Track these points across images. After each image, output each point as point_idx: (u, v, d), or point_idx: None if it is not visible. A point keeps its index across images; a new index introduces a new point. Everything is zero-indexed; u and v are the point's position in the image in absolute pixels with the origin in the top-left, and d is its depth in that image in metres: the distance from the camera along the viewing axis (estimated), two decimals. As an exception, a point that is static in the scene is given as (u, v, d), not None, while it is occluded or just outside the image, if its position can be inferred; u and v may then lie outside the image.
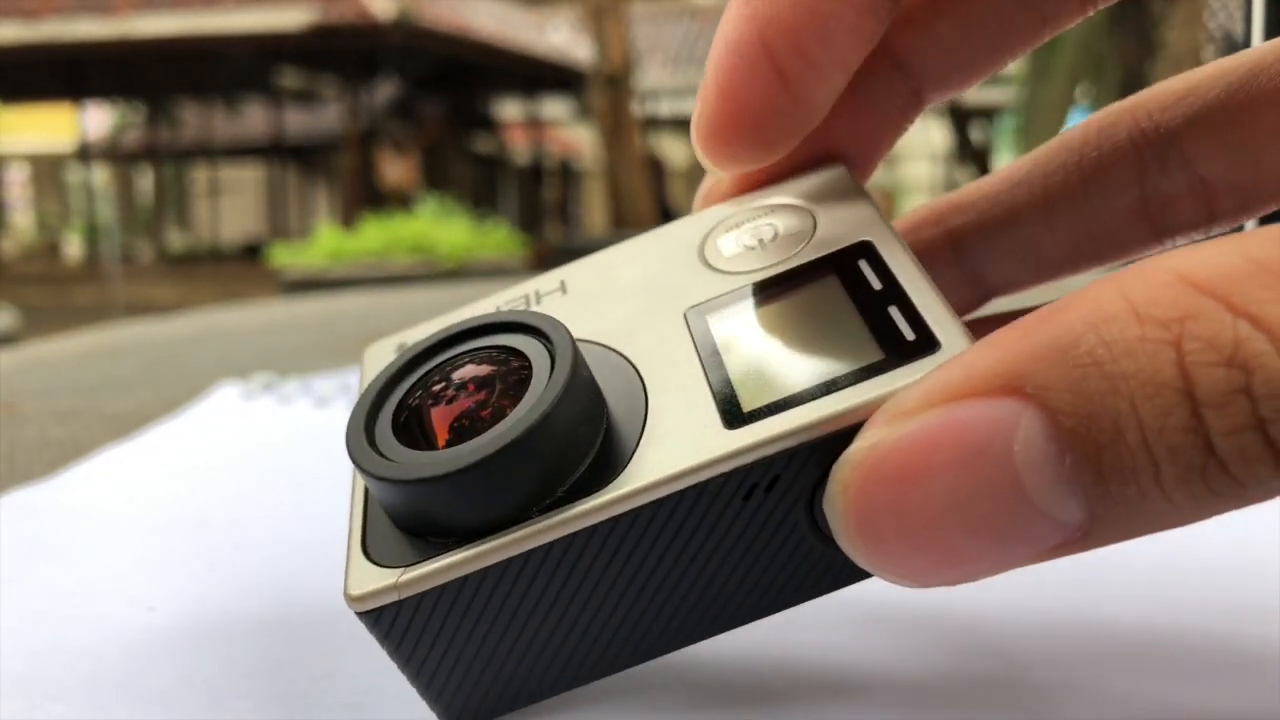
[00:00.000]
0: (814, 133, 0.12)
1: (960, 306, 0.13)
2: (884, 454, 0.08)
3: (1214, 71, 0.12)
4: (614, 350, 0.12)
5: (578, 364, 0.11)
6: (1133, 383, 0.07)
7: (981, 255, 0.13)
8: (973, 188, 0.14)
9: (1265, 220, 0.12)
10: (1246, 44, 0.26)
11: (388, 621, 0.11)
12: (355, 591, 0.11)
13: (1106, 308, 0.08)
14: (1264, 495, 0.08)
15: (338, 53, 6.72)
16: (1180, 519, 0.08)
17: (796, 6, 0.11)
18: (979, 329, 0.11)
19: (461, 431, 0.11)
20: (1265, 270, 0.07)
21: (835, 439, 0.09)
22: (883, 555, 0.09)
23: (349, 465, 0.11)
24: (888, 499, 0.08)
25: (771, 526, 0.10)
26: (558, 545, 0.10)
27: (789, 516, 0.10)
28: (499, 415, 0.11)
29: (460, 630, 0.11)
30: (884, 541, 0.09)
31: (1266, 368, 0.07)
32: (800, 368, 0.11)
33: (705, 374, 0.11)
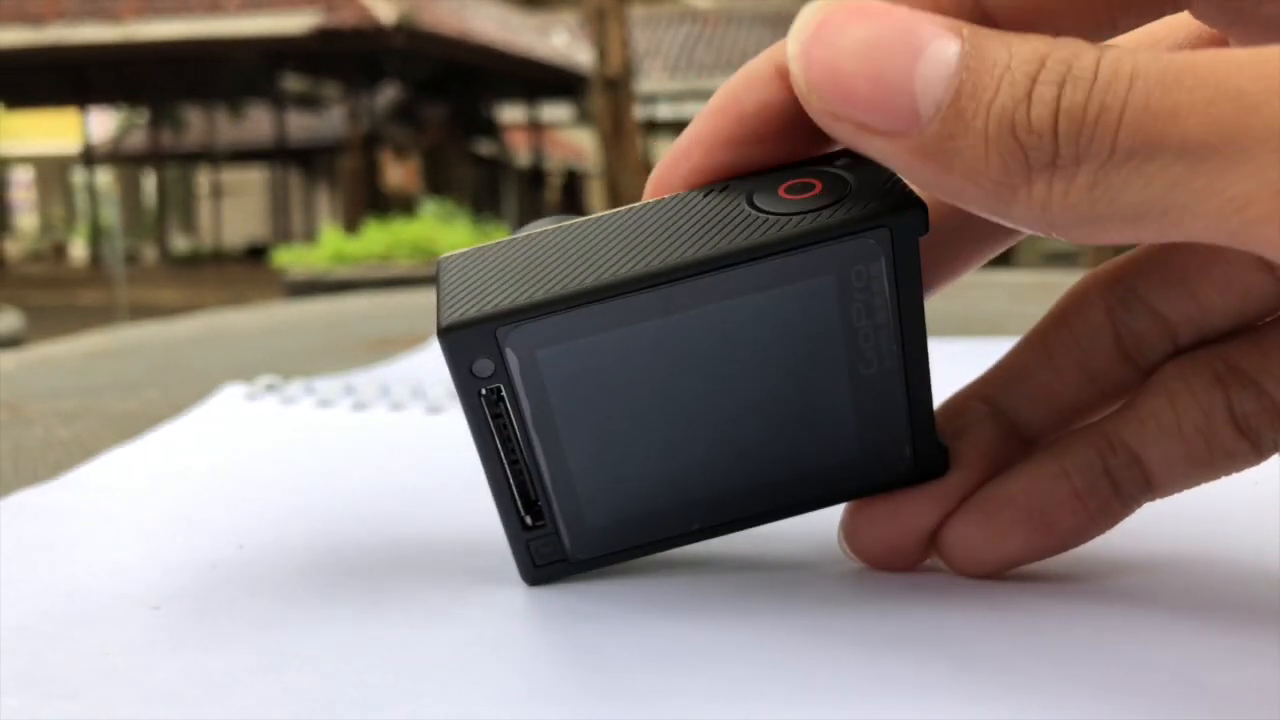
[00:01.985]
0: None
1: (1005, 457, 0.16)
2: (835, 4, 0.12)
3: None
4: None
5: None
6: (1020, 52, 0.11)
7: (1011, 407, 0.16)
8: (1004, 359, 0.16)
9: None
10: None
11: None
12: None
13: (1029, 34, 0.12)
14: (1038, 157, 0.11)
15: (340, 57, 6.74)
16: (980, 166, 0.11)
17: None
18: None
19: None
20: (1121, 46, 0.11)
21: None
22: (808, 58, 0.12)
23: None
24: (836, 20, 0.12)
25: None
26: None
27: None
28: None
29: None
30: (815, 47, 0.12)
31: (1085, 60, 0.11)
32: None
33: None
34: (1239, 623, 0.14)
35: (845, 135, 0.12)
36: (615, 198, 4.93)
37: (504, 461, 0.15)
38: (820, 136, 0.14)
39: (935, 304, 0.15)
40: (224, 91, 7.50)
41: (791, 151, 0.15)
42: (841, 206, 0.14)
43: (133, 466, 0.23)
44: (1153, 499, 0.15)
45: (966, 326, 0.47)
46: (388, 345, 0.46)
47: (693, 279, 0.14)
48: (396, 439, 0.26)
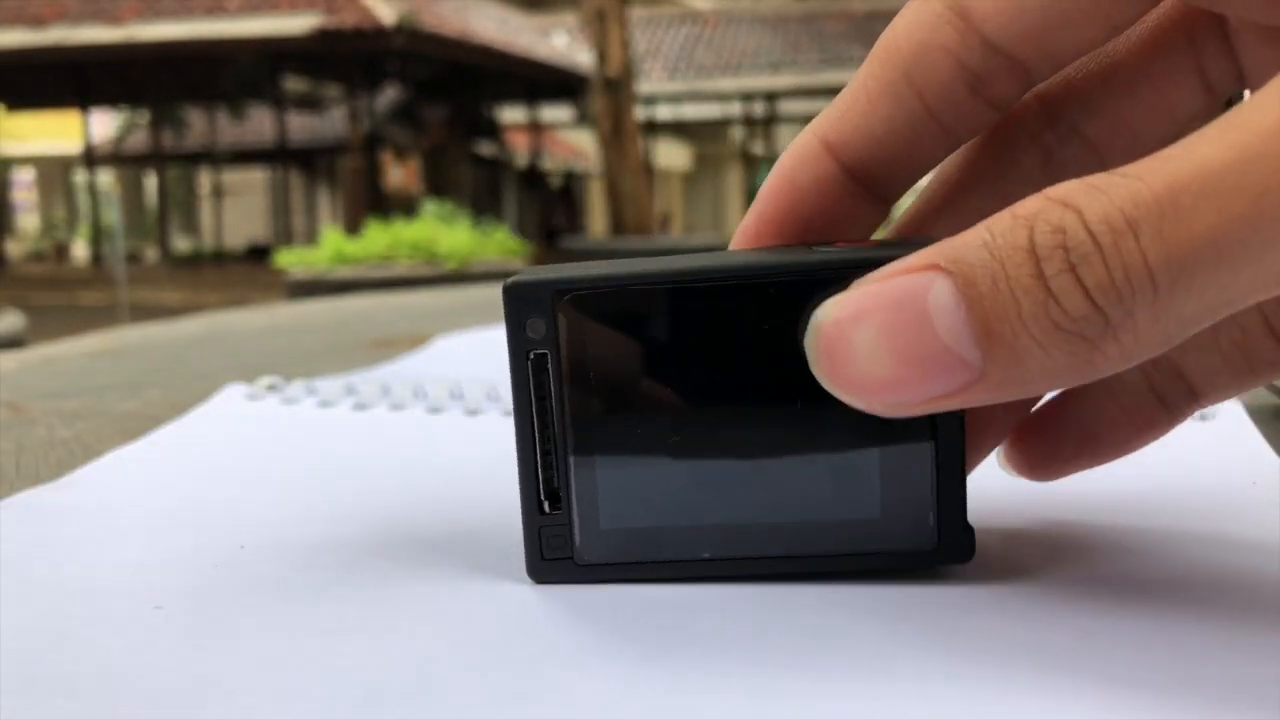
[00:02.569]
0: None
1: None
2: (842, 304, 0.12)
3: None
4: None
5: None
6: (1003, 251, 0.11)
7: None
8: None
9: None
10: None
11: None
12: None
13: (999, 217, 0.12)
14: (1093, 333, 0.11)
15: (341, 58, 6.74)
16: (1049, 362, 0.11)
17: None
18: None
19: None
20: (1090, 185, 0.11)
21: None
22: (839, 379, 0.13)
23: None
24: (841, 334, 0.12)
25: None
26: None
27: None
28: None
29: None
30: (840, 368, 0.12)
31: (1073, 230, 0.11)
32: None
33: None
34: (1238, 623, 0.14)
35: (926, 411, 0.12)
36: (615, 198, 4.93)
37: (536, 435, 0.15)
38: (881, 196, 0.15)
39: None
40: (225, 92, 7.50)
41: (852, 215, 0.15)
42: (896, 248, 0.14)
43: (134, 467, 0.23)
44: (1201, 408, 0.16)
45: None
46: (389, 346, 0.46)
47: (745, 283, 0.14)
48: (398, 439, 0.26)
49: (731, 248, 0.16)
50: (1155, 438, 0.16)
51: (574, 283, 0.15)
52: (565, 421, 0.15)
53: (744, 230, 0.16)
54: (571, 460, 0.15)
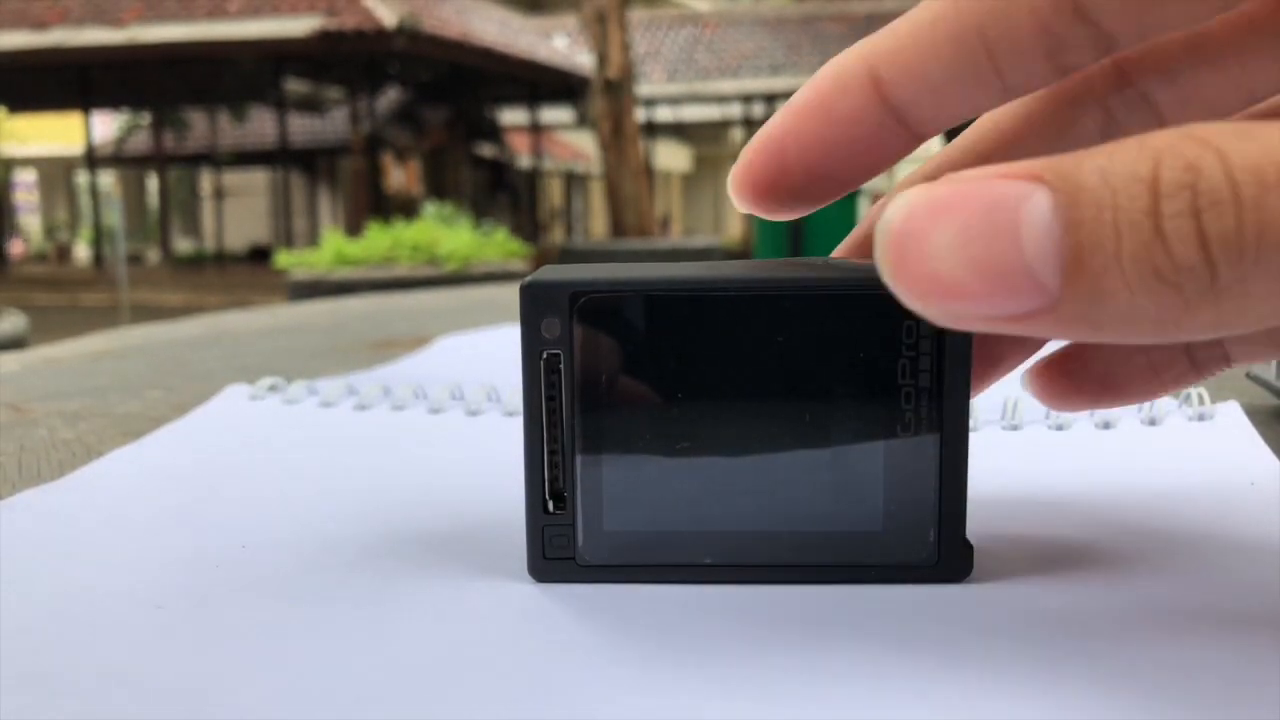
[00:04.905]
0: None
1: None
2: (929, 198, 0.11)
3: None
4: None
5: None
6: (1120, 178, 0.10)
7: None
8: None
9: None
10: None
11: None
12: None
13: (1126, 143, 0.10)
14: (1192, 288, 0.10)
15: (342, 60, 6.74)
16: (1131, 309, 0.10)
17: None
18: None
19: None
20: (1241, 130, 0.10)
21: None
22: (903, 275, 0.11)
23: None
24: (918, 228, 0.11)
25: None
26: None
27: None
28: None
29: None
30: (908, 263, 0.11)
31: (1210, 170, 0.10)
32: None
33: None
34: (1237, 623, 0.14)
35: (981, 329, 0.11)
36: (615, 199, 4.93)
37: (544, 435, 0.15)
38: (915, 133, 0.14)
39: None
40: (226, 94, 7.50)
41: (881, 147, 0.14)
42: None
43: (136, 467, 0.23)
44: (1230, 368, 0.16)
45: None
46: (390, 346, 0.46)
47: (762, 295, 0.15)
48: (398, 439, 0.26)
49: (746, 162, 0.15)
50: (1181, 389, 0.17)
51: (592, 285, 0.15)
52: (574, 422, 0.15)
53: (765, 143, 0.15)
54: (578, 461, 0.15)
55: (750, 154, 0.15)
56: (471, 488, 0.21)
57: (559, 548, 0.16)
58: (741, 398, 0.15)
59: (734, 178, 0.15)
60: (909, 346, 0.14)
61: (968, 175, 0.11)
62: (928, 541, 0.15)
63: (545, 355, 0.15)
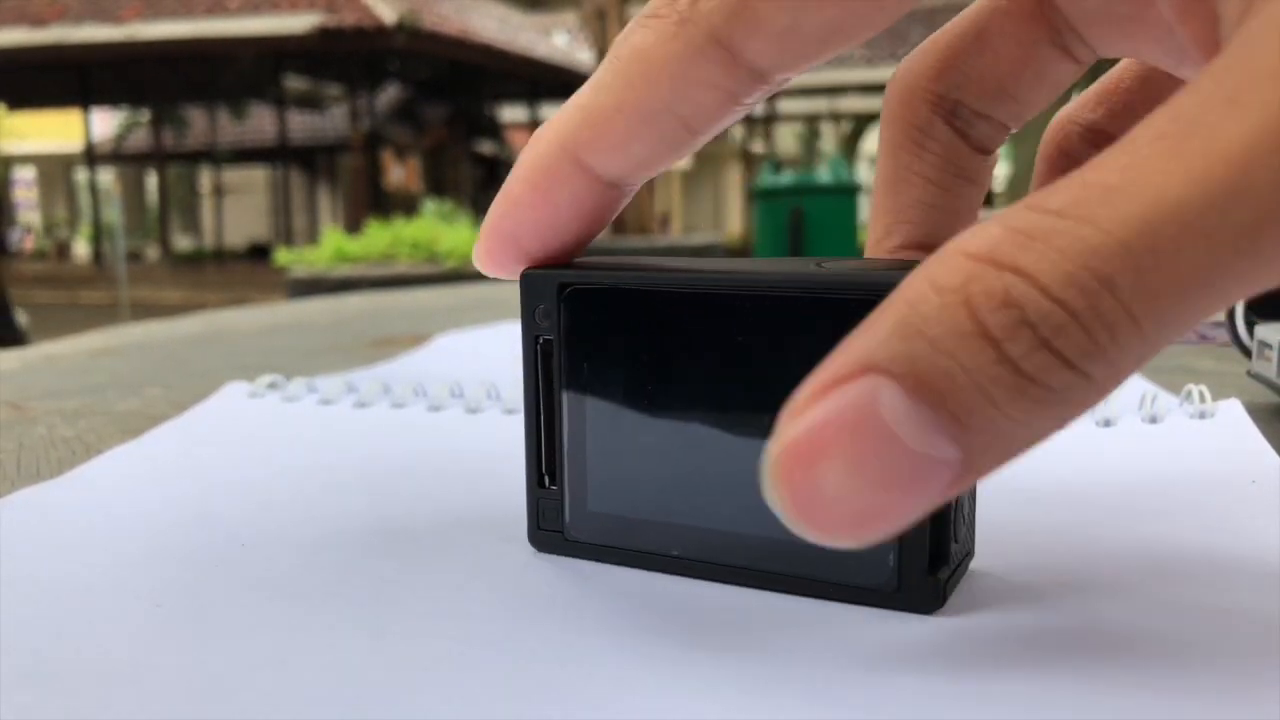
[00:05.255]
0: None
1: None
2: (791, 449, 0.10)
3: None
4: None
5: None
6: (947, 339, 0.10)
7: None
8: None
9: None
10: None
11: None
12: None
13: (918, 291, 0.10)
14: (1079, 395, 0.10)
15: (342, 57, 6.73)
16: (1033, 432, 0.10)
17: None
18: None
19: None
20: (1018, 233, 0.10)
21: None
22: (823, 528, 0.11)
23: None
24: (806, 483, 0.10)
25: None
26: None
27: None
28: None
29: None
30: (818, 516, 0.10)
31: (1031, 300, 0.10)
32: None
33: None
34: (1237, 621, 0.14)
35: (907, 529, 0.11)
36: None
37: (540, 414, 0.16)
38: (626, 198, 0.16)
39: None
40: (226, 91, 7.49)
41: (606, 218, 0.15)
42: (893, 273, 0.13)
43: (135, 464, 0.23)
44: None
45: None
46: (389, 344, 0.46)
47: (741, 293, 0.15)
48: (398, 437, 0.26)
49: (485, 250, 0.16)
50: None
51: (578, 278, 0.16)
52: (562, 402, 0.16)
53: (499, 235, 0.15)
54: (566, 442, 0.16)
55: (487, 243, 0.16)
56: (471, 486, 0.21)
57: (551, 520, 0.17)
58: (711, 396, 0.15)
59: (478, 258, 0.16)
60: None
61: (800, 404, 0.10)
62: (887, 565, 0.14)
63: (540, 341, 0.16)
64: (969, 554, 0.16)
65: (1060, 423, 0.10)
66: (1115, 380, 0.10)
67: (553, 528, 0.16)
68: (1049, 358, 0.10)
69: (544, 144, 0.15)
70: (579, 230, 0.15)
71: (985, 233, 0.10)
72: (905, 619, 0.14)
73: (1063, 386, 0.10)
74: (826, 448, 0.10)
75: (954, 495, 0.11)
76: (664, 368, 0.15)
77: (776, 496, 0.11)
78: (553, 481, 0.16)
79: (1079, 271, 0.09)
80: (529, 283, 0.16)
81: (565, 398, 0.16)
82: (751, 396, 0.15)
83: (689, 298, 0.15)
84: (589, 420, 0.16)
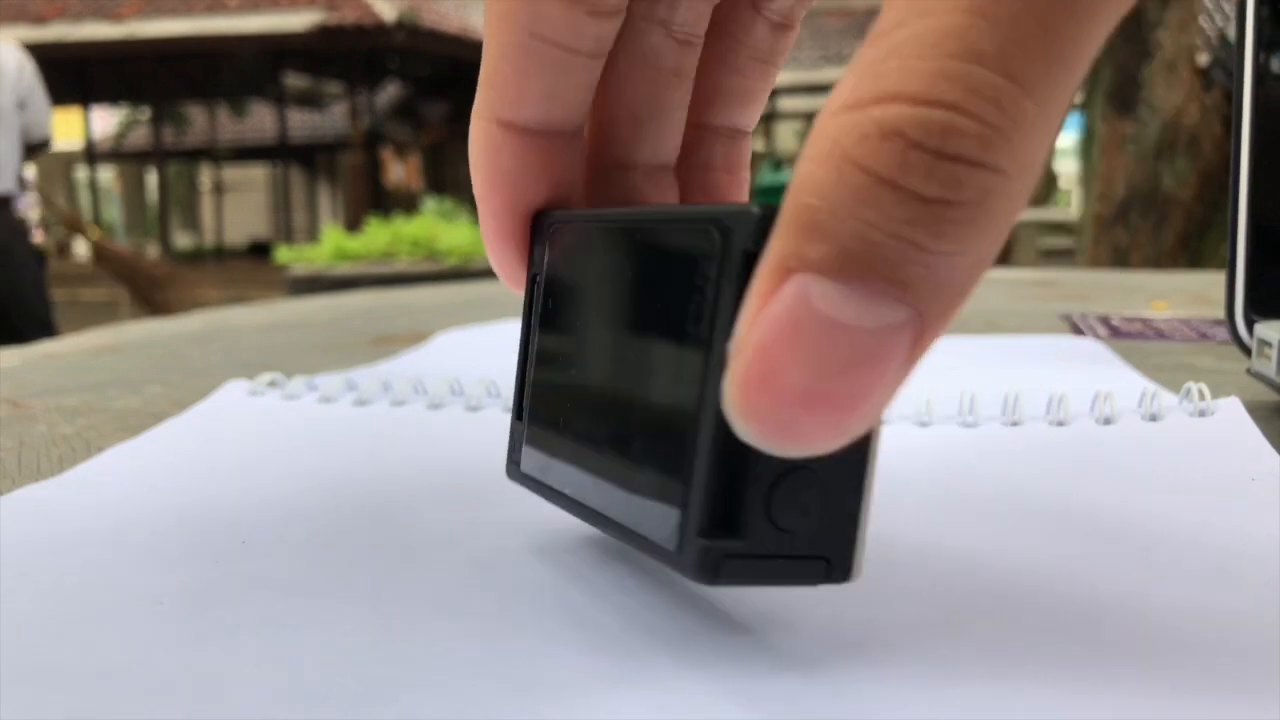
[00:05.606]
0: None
1: None
2: (744, 380, 0.10)
3: None
4: None
5: None
6: (844, 206, 0.09)
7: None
8: None
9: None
10: (1240, 46, 0.27)
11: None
12: None
13: (801, 174, 0.10)
14: (1000, 193, 0.09)
15: (342, 54, 6.73)
16: (974, 256, 0.09)
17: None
18: None
19: None
20: (865, 69, 0.09)
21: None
22: (808, 440, 0.10)
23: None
24: (772, 406, 0.10)
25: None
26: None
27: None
28: None
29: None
30: (796, 433, 0.10)
31: (906, 118, 0.09)
32: None
33: None
34: (1237, 620, 0.14)
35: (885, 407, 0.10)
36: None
37: (524, 350, 0.17)
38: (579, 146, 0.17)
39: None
40: (226, 89, 7.49)
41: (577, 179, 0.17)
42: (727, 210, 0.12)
43: (135, 462, 0.23)
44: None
45: (964, 324, 0.47)
46: (389, 342, 0.46)
47: (615, 226, 0.15)
48: (398, 435, 0.26)
49: (499, 256, 0.17)
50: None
51: (562, 216, 0.16)
52: (532, 339, 0.17)
53: (503, 236, 0.17)
54: (530, 377, 0.17)
55: (489, 250, 0.17)
56: (471, 483, 0.21)
57: (515, 453, 0.17)
58: (600, 330, 0.15)
59: (497, 268, 0.17)
60: (699, 289, 0.12)
61: (740, 335, 0.10)
62: (670, 524, 0.12)
63: (534, 278, 0.17)
64: (834, 565, 0.12)
65: (997, 233, 0.09)
66: (1028, 165, 0.09)
67: (514, 459, 0.17)
68: (950, 167, 0.09)
69: (472, 128, 0.15)
70: (549, 190, 0.16)
71: (838, 89, 0.09)
72: (906, 620, 0.14)
73: (979, 192, 0.09)
74: (778, 364, 0.10)
75: (926, 349, 0.10)
76: (578, 302, 0.16)
77: (750, 433, 0.10)
78: (520, 416, 0.17)
79: (941, 60, 0.09)
80: (535, 222, 0.17)
81: (535, 333, 0.17)
82: (621, 330, 0.14)
83: (598, 231, 0.15)
84: (540, 356, 0.17)
